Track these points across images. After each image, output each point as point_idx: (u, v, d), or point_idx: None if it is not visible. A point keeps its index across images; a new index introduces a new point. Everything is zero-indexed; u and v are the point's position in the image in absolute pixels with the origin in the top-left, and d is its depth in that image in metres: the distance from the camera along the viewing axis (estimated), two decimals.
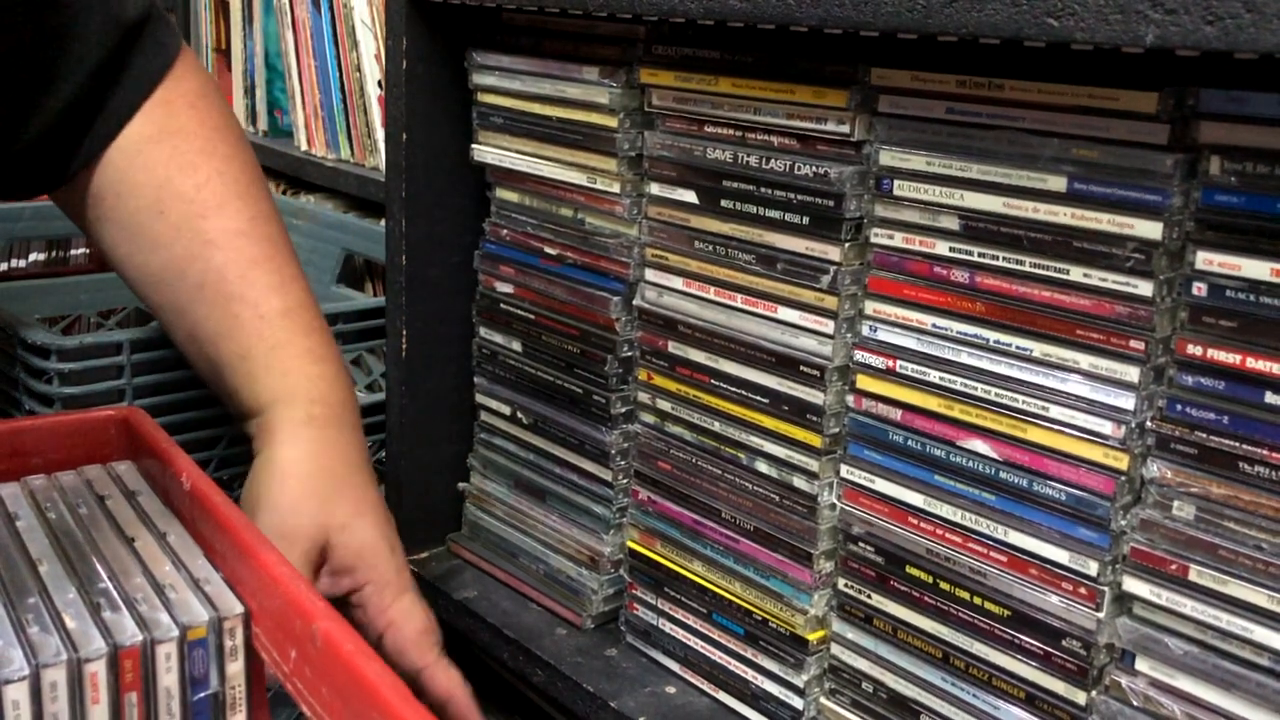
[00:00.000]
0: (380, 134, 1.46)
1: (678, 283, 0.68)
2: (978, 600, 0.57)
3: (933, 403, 0.57)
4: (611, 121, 0.69)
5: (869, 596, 0.61)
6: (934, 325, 0.57)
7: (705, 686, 0.70)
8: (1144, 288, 0.50)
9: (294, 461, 0.67)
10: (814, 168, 0.60)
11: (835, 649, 0.64)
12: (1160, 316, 0.50)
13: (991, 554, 0.56)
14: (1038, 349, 0.53)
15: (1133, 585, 0.52)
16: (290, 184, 1.66)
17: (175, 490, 0.59)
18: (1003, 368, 0.55)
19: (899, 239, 0.58)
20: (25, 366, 0.80)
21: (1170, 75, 0.49)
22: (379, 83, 1.46)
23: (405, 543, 0.69)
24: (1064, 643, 0.54)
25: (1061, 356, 0.53)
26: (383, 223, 0.89)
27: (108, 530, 0.56)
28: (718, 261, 0.65)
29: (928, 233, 0.56)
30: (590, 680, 0.70)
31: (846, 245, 0.59)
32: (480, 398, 0.82)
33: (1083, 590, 0.53)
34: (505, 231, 0.78)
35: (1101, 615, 0.53)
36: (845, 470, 0.61)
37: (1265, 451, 0.48)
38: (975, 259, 0.55)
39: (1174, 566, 0.50)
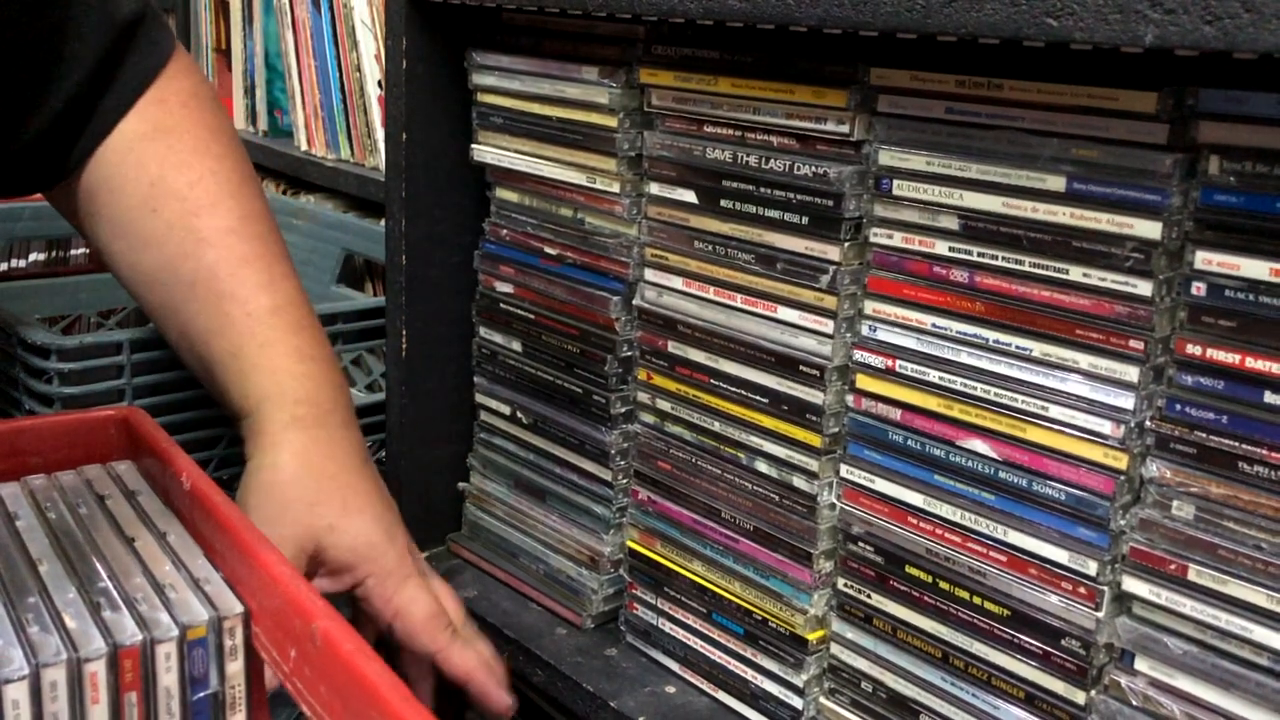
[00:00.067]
0: (380, 134, 1.46)
1: (677, 282, 0.68)
2: (977, 600, 0.57)
3: (932, 402, 0.57)
4: (611, 121, 0.69)
5: (869, 596, 0.61)
6: (933, 325, 0.57)
7: (705, 686, 0.70)
8: (1143, 287, 0.50)
9: (277, 469, 0.67)
10: (813, 167, 0.60)
11: (835, 649, 0.64)
12: (1159, 316, 0.50)
13: (991, 554, 0.56)
14: (1037, 349, 0.53)
15: (1132, 585, 0.52)
16: (290, 184, 1.66)
17: (175, 490, 0.59)
18: (1002, 367, 0.55)
19: (898, 239, 0.58)
20: (25, 366, 0.80)
21: (1169, 75, 0.49)
22: (379, 83, 1.47)
23: None
24: (1063, 642, 0.54)
25: (1061, 356, 0.53)
26: (382, 223, 0.89)
27: (107, 530, 0.56)
28: (717, 261, 0.65)
29: (927, 232, 0.56)
30: (590, 680, 0.70)
31: (846, 245, 0.59)
32: (480, 397, 0.82)
33: (1082, 590, 0.53)
34: (505, 231, 0.78)
35: (1101, 615, 0.53)
36: (845, 470, 0.61)
37: (1264, 451, 0.48)
38: (975, 259, 0.55)
39: (1173, 566, 0.50)
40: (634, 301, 0.70)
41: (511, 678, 0.69)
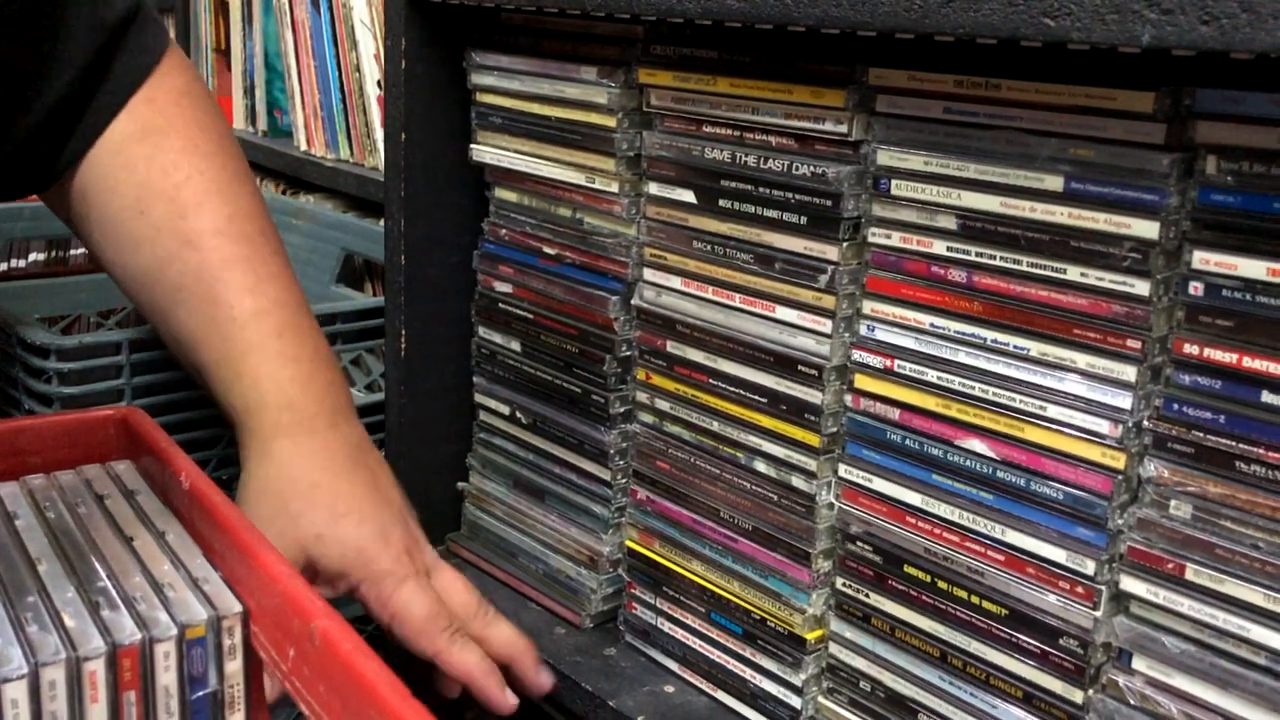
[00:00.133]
0: (379, 134, 1.46)
1: (676, 282, 0.68)
2: (975, 599, 0.57)
3: (930, 402, 0.57)
4: (610, 121, 0.69)
5: (867, 595, 0.62)
6: (932, 325, 0.57)
7: (704, 686, 0.70)
8: (1141, 287, 0.50)
9: (262, 481, 0.67)
10: (812, 167, 0.60)
11: (833, 648, 0.64)
12: (1157, 316, 0.50)
13: (989, 553, 0.56)
14: (1035, 348, 0.54)
15: (1130, 584, 0.52)
16: (290, 184, 1.66)
17: (174, 490, 0.59)
18: (1000, 367, 0.55)
19: (896, 238, 0.58)
20: (25, 366, 0.80)
21: (1167, 75, 0.49)
22: (378, 83, 1.47)
23: None
24: (1061, 641, 0.54)
25: (1059, 356, 0.53)
26: (382, 222, 0.89)
27: (106, 529, 0.57)
28: (716, 261, 0.65)
29: (925, 232, 0.56)
30: (589, 679, 0.70)
31: (844, 245, 0.59)
32: (479, 397, 0.82)
33: (1080, 589, 0.53)
34: (504, 231, 0.78)
35: (1099, 614, 0.53)
36: (843, 469, 0.62)
37: (1262, 450, 0.48)
38: (973, 258, 0.55)
39: (1171, 565, 0.50)
40: (633, 301, 0.70)
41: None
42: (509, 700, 0.66)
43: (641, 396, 0.71)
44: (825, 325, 0.61)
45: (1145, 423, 0.51)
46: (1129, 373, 0.51)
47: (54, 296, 1.19)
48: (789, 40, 0.62)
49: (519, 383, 0.79)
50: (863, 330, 0.60)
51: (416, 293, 0.81)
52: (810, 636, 0.64)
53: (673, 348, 0.68)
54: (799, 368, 0.62)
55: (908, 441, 0.58)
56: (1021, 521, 0.55)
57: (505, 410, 0.80)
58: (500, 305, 0.79)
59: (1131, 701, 0.52)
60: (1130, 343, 0.51)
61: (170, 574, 0.53)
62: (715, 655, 0.69)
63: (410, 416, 0.82)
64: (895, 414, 0.59)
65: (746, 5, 0.56)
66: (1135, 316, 0.50)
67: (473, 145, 0.79)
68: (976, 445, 0.56)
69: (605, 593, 0.75)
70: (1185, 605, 0.50)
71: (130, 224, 0.72)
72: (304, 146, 1.62)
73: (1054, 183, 0.51)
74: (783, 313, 0.62)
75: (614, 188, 0.70)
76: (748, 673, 0.67)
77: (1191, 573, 0.50)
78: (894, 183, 0.57)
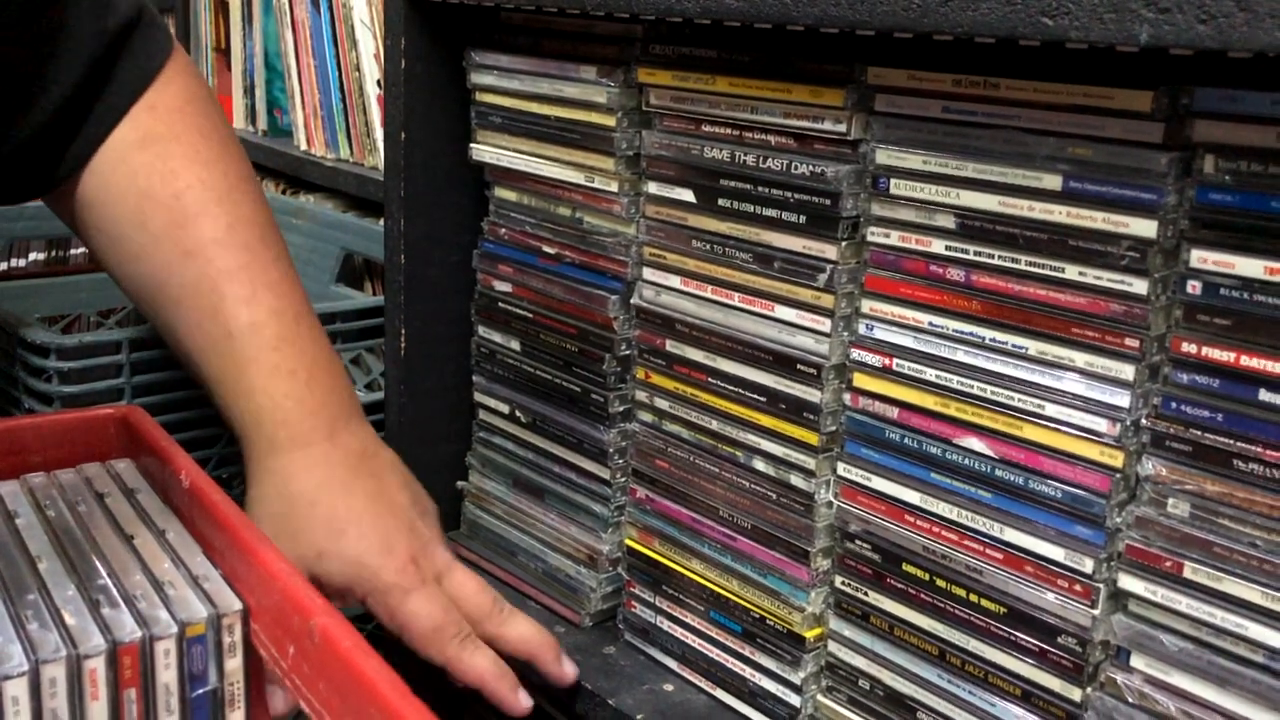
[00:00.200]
0: (379, 133, 1.46)
1: (675, 281, 0.68)
2: (974, 598, 0.57)
3: (929, 401, 0.57)
4: (609, 120, 0.69)
5: (866, 594, 0.62)
6: (930, 323, 0.57)
7: (703, 684, 0.70)
8: (1139, 286, 0.50)
9: (261, 503, 0.67)
10: (811, 167, 0.60)
11: (832, 646, 0.64)
12: (1155, 314, 0.50)
13: (988, 551, 0.56)
14: (1033, 347, 0.54)
15: (1128, 582, 0.52)
16: (290, 183, 1.66)
17: (174, 488, 0.59)
18: (999, 366, 0.55)
19: (895, 237, 0.58)
20: (25, 365, 0.81)
21: (1164, 74, 0.49)
22: (378, 82, 1.47)
23: None
24: (1060, 640, 0.54)
25: (1057, 354, 0.53)
26: (381, 222, 0.89)
27: (107, 528, 0.57)
28: (715, 260, 0.66)
29: (924, 231, 0.57)
30: (588, 678, 0.70)
31: (843, 244, 0.60)
32: (479, 396, 0.82)
33: (1078, 587, 0.53)
34: (504, 230, 0.78)
35: (1097, 612, 0.53)
36: (842, 468, 0.62)
37: (1259, 449, 0.48)
38: (971, 257, 0.55)
39: (1169, 564, 0.51)
40: (632, 300, 0.71)
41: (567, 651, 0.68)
42: (521, 703, 0.65)
43: (641, 395, 0.71)
44: (824, 324, 0.61)
45: (1143, 421, 0.51)
46: (1127, 371, 0.51)
47: (54, 296, 1.19)
48: (788, 39, 0.62)
49: (518, 382, 0.79)
50: (861, 329, 0.60)
51: (416, 292, 0.81)
52: (809, 635, 0.64)
53: (672, 347, 0.69)
54: (798, 366, 0.62)
55: (906, 440, 0.59)
56: (1020, 520, 0.55)
57: (505, 409, 0.80)
58: (500, 304, 0.79)
59: (1130, 699, 0.52)
60: (1128, 341, 0.51)
61: (170, 572, 0.53)
62: (714, 654, 0.69)
63: (410, 415, 0.82)
64: (894, 413, 0.59)
65: (745, 4, 0.57)
66: (1133, 315, 0.50)
67: (472, 145, 0.79)
68: (975, 444, 0.56)
69: (605, 591, 0.75)
70: (1183, 603, 0.50)
71: (131, 235, 0.71)
72: (304, 146, 1.62)
73: (1052, 181, 0.52)
74: (782, 312, 0.63)
75: (613, 187, 0.70)
76: (747, 671, 0.67)
77: (1189, 571, 0.50)
78: (893, 182, 0.57)
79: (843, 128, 0.59)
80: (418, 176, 0.79)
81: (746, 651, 0.67)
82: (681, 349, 0.68)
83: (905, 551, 0.59)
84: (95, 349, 0.81)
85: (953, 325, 0.56)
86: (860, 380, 0.60)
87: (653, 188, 0.68)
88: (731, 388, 0.66)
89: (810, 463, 0.62)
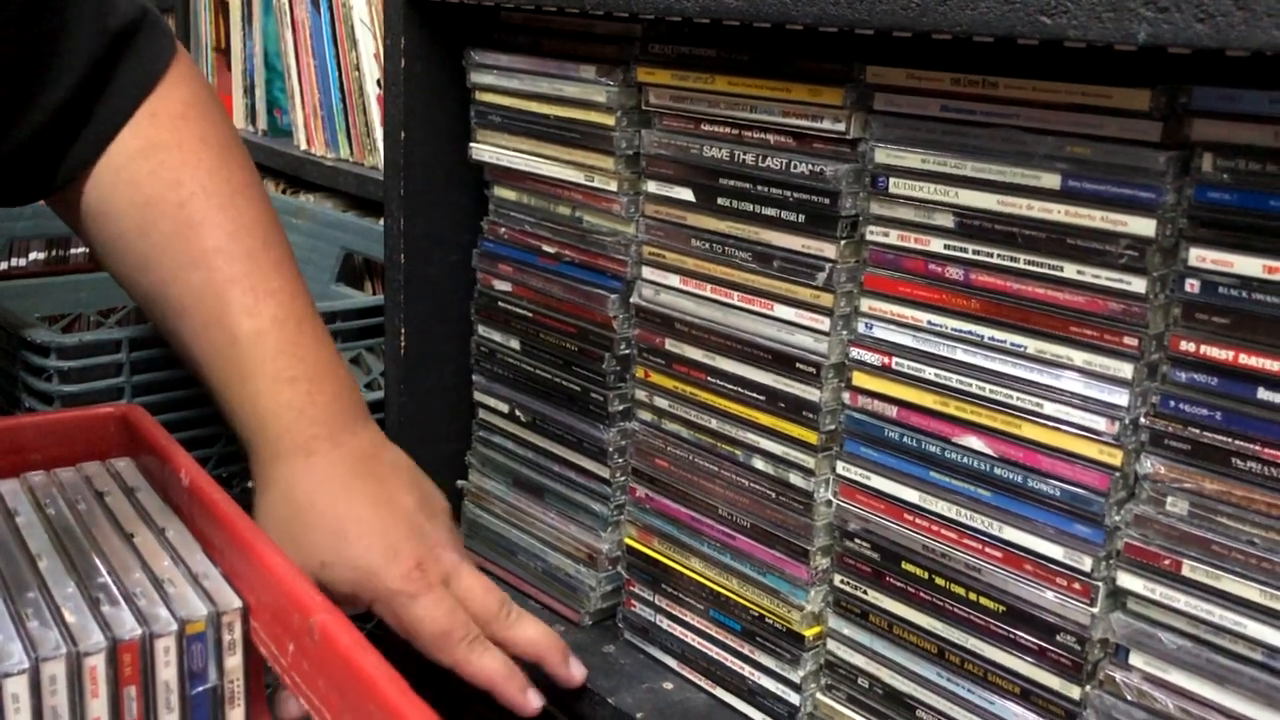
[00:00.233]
0: (379, 133, 1.46)
1: (675, 280, 0.68)
2: (973, 596, 0.57)
3: (928, 399, 0.57)
4: (609, 120, 0.69)
5: (865, 592, 0.62)
6: (929, 322, 0.57)
7: (702, 683, 0.70)
8: (1137, 284, 0.50)
9: (268, 509, 0.67)
10: (810, 166, 0.60)
11: (831, 645, 0.64)
12: (1153, 313, 0.50)
13: (987, 550, 0.56)
14: (1032, 346, 0.54)
15: (1127, 580, 0.52)
16: (290, 183, 1.66)
17: (174, 487, 0.59)
18: (997, 364, 0.55)
19: (894, 236, 0.58)
20: (25, 364, 0.81)
21: (1163, 73, 0.49)
22: (378, 82, 1.47)
23: None
24: (1059, 638, 0.54)
25: (1056, 353, 0.53)
26: (381, 221, 0.89)
27: (107, 526, 0.57)
28: (715, 259, 0.66)
29: (923, 230, 0.57)
30: (588, 677, 0.70)
31: (842, 243, 0.60)
32: (479, 396, 0.82)
33: (1077, 585, 0.53)
34: (503, 230, 0.78)
35: (1096, 610, 0.53)
36: (841, 467, 0.62)
37: (1257, 447, 0.48)
38: (970, 256, 0.55)
39: (1167, 562, 0.51)
40: (632, 299, 0.71)
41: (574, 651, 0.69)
42: (531, 703, 0.65)
43: (640, 394, 0.71)
44: (823, 323, 0.61)
45: (1142, 420, 0.51)
46: (1126, 370, 0.51)
47: (54, 295, 1.19)
48: (787, 38, 0.63)
49: (518, 381, 0.79)
50: (861, 328, 0.60)
51: (416, 291, 0.81)
52: (809, 633, 0.64)
53: (671, 346, 0.69)
54: (797, 365, 0.62)
55: (905, 439, 0.59)
56: (1019, 518, 0.55)
57: (504, 408, 0.80)
58: (499, 304, 0.79)
59: (1129, 697, 0.52)
60: (1127, 340, 0.51)
61: (170, 570, 0.53)
62: (714, 652, 0.69)
63: (410, 415, 0.82)
64: (893, 411, 0.59)
65: (745, 4, 0.57)
66: (1132, 314, 0.50)
67: (472, 144, 0.79)
68: (974, 442, 0.56)
69: (604, 590, 0.76)
70: (1182, 601, 0.50)
71: (135, 245, 0.71)
72: (304, 146, 1.62)
73: (1051, 180, 0.52)
74: (781, 310, 0.63)
75: (613, 186, 0.70)
76: (746, 669, 0.67)
77: (1188, 569, 0.50)
78: (892, 181, 0.57)
79: (842, 126, 0.59)
80: (417, 176, 0.79)
81: (746, 650, 0.67)
82: (681, 348, 0.68)
83: (904, 550, 0.59)
84: (95, 348, 0.81)
85: (952, 324, 0.56)
86: (859, 379, 0.60)
87: (652, 187, 0.68)
88: (731, 387, 0.66)
89: (809, 461, 0.62)
